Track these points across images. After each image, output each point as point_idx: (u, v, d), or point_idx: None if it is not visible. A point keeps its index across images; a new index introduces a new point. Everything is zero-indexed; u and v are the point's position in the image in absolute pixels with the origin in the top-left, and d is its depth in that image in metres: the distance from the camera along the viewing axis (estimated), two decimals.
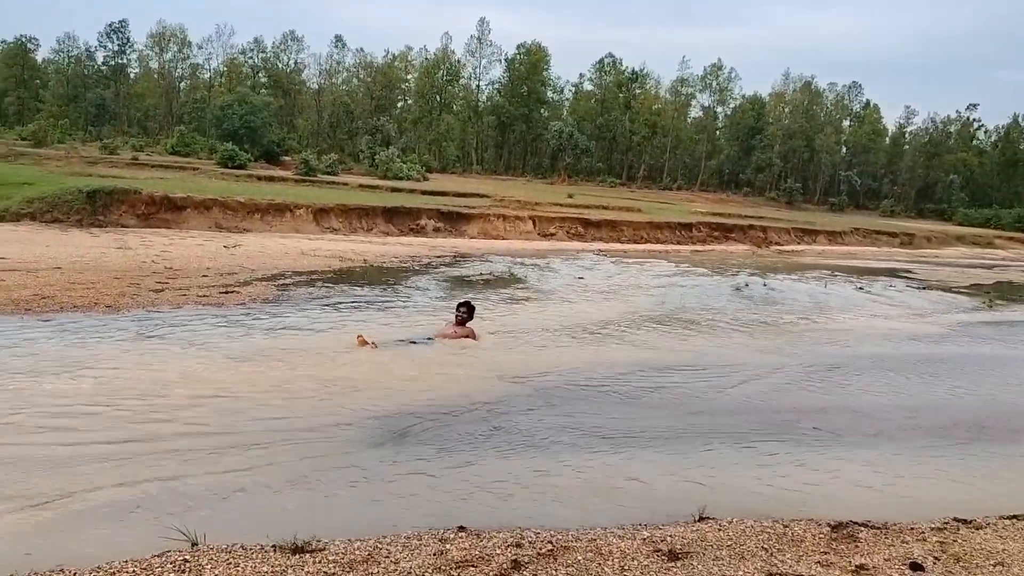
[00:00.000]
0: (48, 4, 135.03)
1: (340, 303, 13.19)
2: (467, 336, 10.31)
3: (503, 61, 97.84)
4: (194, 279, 14.48)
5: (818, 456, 6.72)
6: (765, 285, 21.60)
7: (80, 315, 10.18)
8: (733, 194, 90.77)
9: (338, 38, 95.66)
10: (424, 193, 45.13)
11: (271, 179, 47.53)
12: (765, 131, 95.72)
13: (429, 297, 14.98)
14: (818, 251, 49.51)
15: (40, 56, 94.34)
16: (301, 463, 5.49)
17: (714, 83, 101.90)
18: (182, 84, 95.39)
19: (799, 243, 53.24)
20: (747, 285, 21.14)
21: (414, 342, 9.81)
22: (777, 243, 51.17)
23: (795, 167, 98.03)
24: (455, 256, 24.80)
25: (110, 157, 52.76)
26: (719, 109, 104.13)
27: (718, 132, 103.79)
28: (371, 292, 14.97)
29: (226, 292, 13.11)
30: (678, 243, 41.83)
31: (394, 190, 45.69)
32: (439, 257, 23.86)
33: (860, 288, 23.46)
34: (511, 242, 32.79)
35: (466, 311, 10.58)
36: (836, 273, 28.82)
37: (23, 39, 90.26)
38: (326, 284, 15.63)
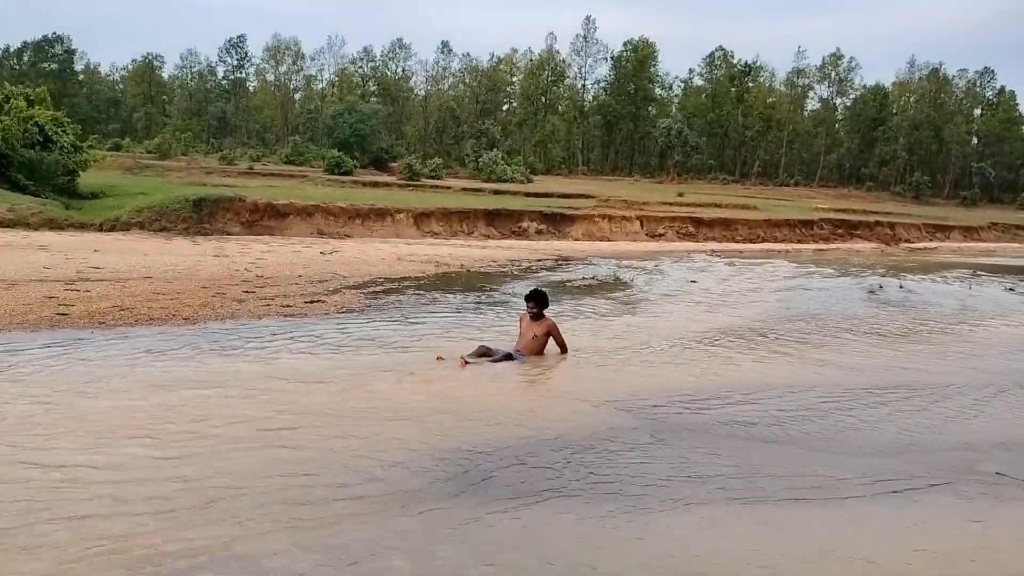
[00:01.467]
0: (172, 22, 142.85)
1: (429, 312, 12.24)
2: (547, 334, 8.92)
3: (609, 59, 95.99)
4: (283, 287, 13.90)
5: (1017, 513, 5.14)
6: (901, 287, 19.38)
7: (153, 328, 9.59)
8: (855, 189, 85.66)
9: (444, 44, 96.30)
10: (527, 195, 44.25)
11: (375, 184, 47.82)
12: (889, 122, 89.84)
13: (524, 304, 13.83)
14: (953, 248, 45.55)
15: (166, 73, 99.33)
16: (360, 526, 4.35)
17: (833, 73, 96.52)
18: (296, 95, 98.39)
19: (931, 240, 49.31)
20: (881, 287, 19.00)
21: (491, 355, 8.51)
22: (907, 240, 47.49)
23: (922, 160, 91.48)
24: (557, 259, 23.63)
25: (227, 168, 54.59)
26: (838, 100, 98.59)
27: (837, 125, 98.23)
28: (464, 299, 13.98)
29: (312, 302, 12.40)
30: (798, 242, 39.24)
31: (497, 193, 45.04)
32: (540, 260, 22.75)
33: (1011, 289, 20.79)
34: (617, 244, 31.35)
35: (535, 304, 8.96)
36: (978, 272, 25.90)
37: (150, 57, 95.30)
38: (418, 291, 14.77)
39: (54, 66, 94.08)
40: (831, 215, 48.16)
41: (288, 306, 11.87)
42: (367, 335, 9.95)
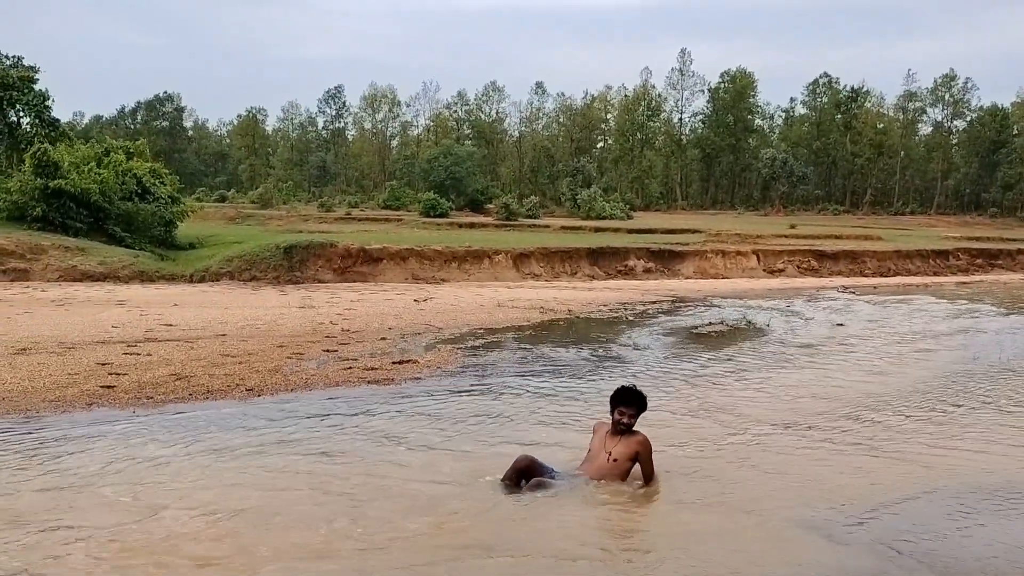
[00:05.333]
0: (274, 77, 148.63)
1: (537, 375, 10.17)
2: (634, 458, 5.67)
3: (706, 91, 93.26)
4: (370, 343, 12.14)
5: None
6: None
7: (206, 404, 7.89)
8: (978, 216, 79.28)
9: (538, 84, 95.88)
10: (630, 232, 41.95)
11: (471, 226, 46.62)
12: (1011, 144, 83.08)
13: (651, 359, 11.60)
14: None
15: (269, 125, 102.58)
16: None
17: (947, 95, 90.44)
18: (393, 141, 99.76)
19: None
20: None
21: (542, 477, 5.49)
22: None
23: None
24: (673, 300, 21.23)
25: (325, 215, 54.76)
26: (954, 123, 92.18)
27: (953, 149, 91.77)
28: (578, 355, 11.84)
29: (400, 362, 10.54)
30: (934, 274, 35.38)
31: (598, 230, 42.98)
32: (654, 303, 20.41)
33: None
34: (735, 281, 28.61)
35: (633, 411, 5.72)
36: None
37: (253, 111, 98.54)
38: (523, 345, 12.73)
39: (165, 123, 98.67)
40: (965, 244, 43.80)
41: (373, 368, 10.04)
42: (464, 412, 7.95)
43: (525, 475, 5.45)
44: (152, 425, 7.03)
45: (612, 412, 5.74)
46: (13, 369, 9.08)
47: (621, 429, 5.68)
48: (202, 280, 22.16)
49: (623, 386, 5.87)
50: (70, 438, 6.57)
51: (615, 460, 5.60)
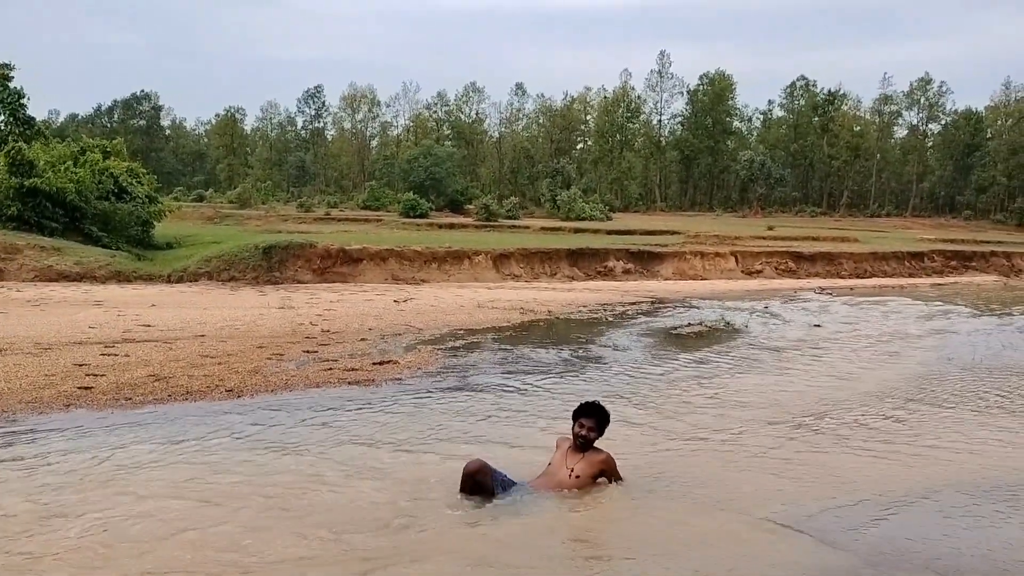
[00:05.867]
0: (253, 76, 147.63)
1: (517, 375, 10.22)
2: (597, 475, 5.50)
3: (685, 93, 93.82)
4: (349, 344, 12.14)
5: None
6: None
7: (185, 405, 7.86)
8: (952, 218, 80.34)
9: (518, 85, 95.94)
10: (609, 233, 42.19)
11: (451, 226, 46.68)
12: (985, 147, 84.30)
13: (630, 361, 11.70)
14: None
15: (248, 125, 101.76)
16: None
17: (922, 99, 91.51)
18: (373, 142, 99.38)
19: None
20: None
21: (494, 487, 5.26)
22: None
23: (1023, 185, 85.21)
24: (652, 301, 21.38)
25: (304, 215, 54.47)
26: (929, 127, 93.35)
27: (928, 152, 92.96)
28: (557, 356, 11.91)
29: (381, 363, 10.55)
30: (910, 275, 35.87)
31: (577, 231, 43.18)
32: (633, 304, 20.54)
33: None
34: (713, 283, 28.84)
35: (593, 425, 5.52)
36: None
37: (232, 110, 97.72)
38: (503, 346, 12.78)
39: (142, 122, 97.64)
40: (940, 246, 44.47)
41: (353, 369, 10.05)
42: (445, 412, 7.99)
43: (477, 478, 5.18)
44: (124, 427, 6.99)
45: (573, 425, 5.55)
46: None
47: (581, 443, 5.47)
48: (180, 280, 22.01)
49: (587, 402, 5.68)
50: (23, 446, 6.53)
51: (577, 476, 5.39)
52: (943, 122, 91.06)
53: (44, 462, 5.94)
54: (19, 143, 27.10)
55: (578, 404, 5.70)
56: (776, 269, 33.01)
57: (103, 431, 6.82)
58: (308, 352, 11.27)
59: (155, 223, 29.77)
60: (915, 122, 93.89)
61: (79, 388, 8.28)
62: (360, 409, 7.99)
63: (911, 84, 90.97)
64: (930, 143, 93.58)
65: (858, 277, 33.62)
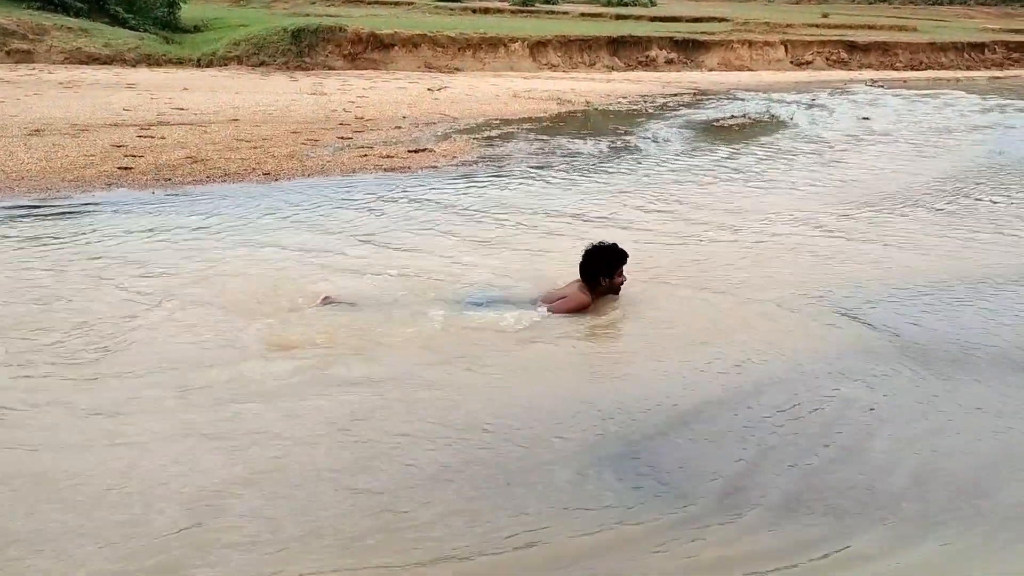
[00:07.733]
0: None
1: (555, 167, 10.08)
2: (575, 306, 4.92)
3: None
4: (384, 132, 11.97)
5: None
6: None
7: (225, 186, 7.94)
8: (1021, 7, 74.23)
9: None
10: (653, 20, 39.85)
11: (486, 11, 44.21)
12: None
13: (670, 153, 11.43)
14: None
15: None
16: None
17: None
18: None
19: None
20: None
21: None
22: None
23: None
24: (694, 93, 20.57)
25: None
26: None
27: None
28: (595, 147, 11.67)
29: (416, 151, 10.44)
30: (968, 68, 33.88)
31: (619, 17, 40.79)
32: (675, 96, 19.79)
33: None
34: (759, 73, 27.55)
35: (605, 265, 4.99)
36: None
37: None
38: (540, 136, 12.52)
39: None
40: (1003, 36, 41.51)
41: (389, 156, 9.98)
42: (482, 202, 7.98)
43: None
44: (164, 206, 7.12)
45: (612, 276, 4.97)
46: (29, 150, 9.07)
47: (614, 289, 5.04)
48: (210, 65, 21.54)
49: (596, 245, 5.03)
50: (74, 218, 6.69)
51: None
52: None
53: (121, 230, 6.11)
54: None
55: (613, 250, 5.00)
56: (827, 60, 31.28)
57: (156, 205, 6.95)
58: (342, 139, 11.16)
59: (181, 4, 28.68)
60: None
61: (119, 168, 8.36)
62: (399, 196, 8.00)
63: None
64: None
65: (913, 69, 31.83)
